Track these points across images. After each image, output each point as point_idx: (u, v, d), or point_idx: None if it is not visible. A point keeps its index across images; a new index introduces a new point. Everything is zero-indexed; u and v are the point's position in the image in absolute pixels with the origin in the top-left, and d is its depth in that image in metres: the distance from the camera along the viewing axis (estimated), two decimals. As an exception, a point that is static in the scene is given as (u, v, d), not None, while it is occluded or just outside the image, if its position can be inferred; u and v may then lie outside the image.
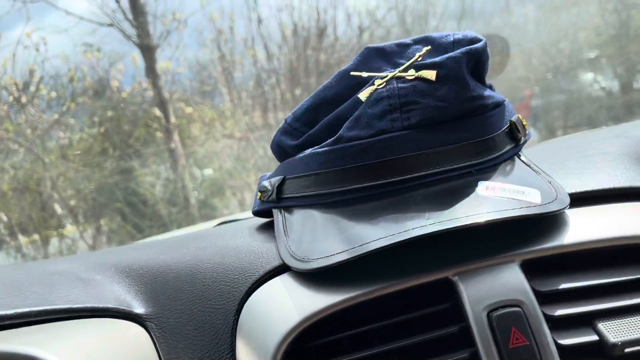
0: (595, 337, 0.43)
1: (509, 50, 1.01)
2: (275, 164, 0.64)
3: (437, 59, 0.53)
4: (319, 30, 4.57)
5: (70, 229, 4.25)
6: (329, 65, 4.45)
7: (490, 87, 0.60)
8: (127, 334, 0.50)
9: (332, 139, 0.54)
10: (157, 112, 4.31)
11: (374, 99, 0.53)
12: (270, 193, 0.60)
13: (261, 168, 4.30)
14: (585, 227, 0.49)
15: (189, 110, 4.61)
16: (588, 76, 4.57)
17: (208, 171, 4.75)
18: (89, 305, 0.51)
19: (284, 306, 0.48)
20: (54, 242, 4.07)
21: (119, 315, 0.52)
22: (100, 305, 0.51)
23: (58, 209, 4.12)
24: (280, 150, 0.62)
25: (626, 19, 4.03)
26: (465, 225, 0.45)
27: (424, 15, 4.51)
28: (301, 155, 0.57)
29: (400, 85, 0.53)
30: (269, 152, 4.21)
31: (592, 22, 4.26)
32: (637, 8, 4.01)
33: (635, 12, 4.01)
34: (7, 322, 0.47)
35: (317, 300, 0.47)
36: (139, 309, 0.53)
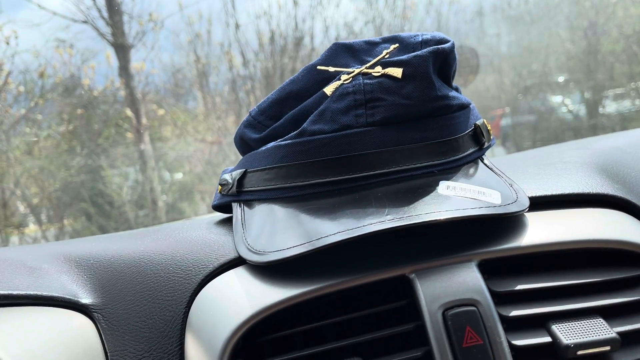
0: (548, 339, 0.43)
1: (479, 61, 1.02)
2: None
3: (404, 56, 0.52)
4: (296, 40, 4.58)
5: (32, 228, 4.13)
6: (304, 75, 4.44)
7: (457, 90, 0.60)
8: (72, 324, 0.48)
9: (296, 132, 0.53)
10: (129, 112, 4.24)
11: (340, 93, 0.52)
12: (230, 186, 0.59)
13: (232, 174, 4.25)
14: (543, 229, 0.49)
15: (161, 112, 4.55)
16: (557, 98, 4.69)
17: (178, 175, 4.68)
18: (31, 292, 0.48)
19: (237, 299, 0.46)
20: (14, 240, 3.95)
21: (64, 304, 0.50)
22: (45, 294, 0.49)
23: (20, 206, 4.01)
24: (244, 144, 0.61)
25: (595, 45, 4.15)
26: (424, 222, 0.44)
27: (400, 31, 4.56)
28: (264, 148, 0.56)
29: (366, 81, 0.52)
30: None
31: (562, 46, 4.37)
32: (606, 35, 4.13)
33: (603, 38, 4.14)
34: (-60, 306, 0.44)
35: (271, 294, 0.46)
36: (86, 299, 0.51)
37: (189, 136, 4.59)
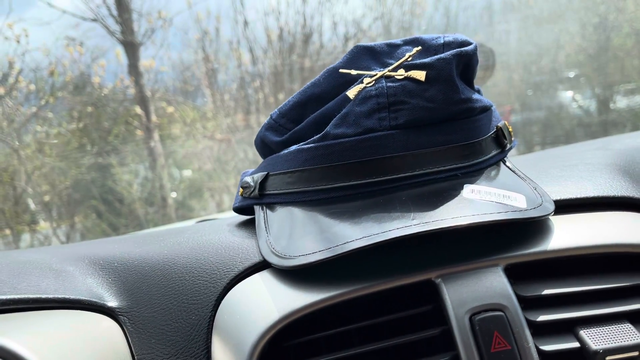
0: (576, 344, 0.43)
1: (495, 61, 1.02)
2: (256, 165, 0.63)
3: (427, 59, 0.52)
4: (305, 36, 4.58)
5: (43, 225, 4.16)
6: (313, 71, 4.44)
7: (478, 92, 0.60)
8: (99, 327, 0.49)
9: (319, 135, 0.53)
10: (138, 110, 4.26)
11: (362, 97, 0.52)
12: (252, 189, 0.59)
13: (241, 171, 4.28)
14: (568, 234, 0.49)
15: (170, 109, 4.56)
16: (567, 94, 4.65)
17: (186, 172, 4.70)
18: (59, 295, 0.49)
19: (263, 303, 0.47)
20: (26, 237, 3.98)
21: (90, 307, 0.50)
22: (72, 297, 0.49)
23: (31, 204, 4.04)
24: (265, 146, 0.61)
25: (605, 40, 4.11)
26: (451, 227, 0.44)
27: (409, 28, 4.54)
28: (286, 151, 0.56)
29: (389, 84, 0.52)
30: (250, 155, 4.18)
31: (572, 41, 4.34)
32: (616, 30, 4.09)
33: (614, 34, 4.10)
34: (-28, 310, 0.45)
35: (298, 298, 0.46)
36: (112, 302, 0.51)
37: (198, 134, 4.61)
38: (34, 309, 0.48)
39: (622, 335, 0.43)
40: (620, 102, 4.43)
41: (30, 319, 0.46)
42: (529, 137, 4.80)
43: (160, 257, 0.55)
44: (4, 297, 0.46)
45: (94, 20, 4.26)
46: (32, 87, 4.09)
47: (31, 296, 0.47)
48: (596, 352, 0.41)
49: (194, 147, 4.59)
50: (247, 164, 4.20)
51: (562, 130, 4.51)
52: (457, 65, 0.53)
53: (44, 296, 0.48)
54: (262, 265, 0.51)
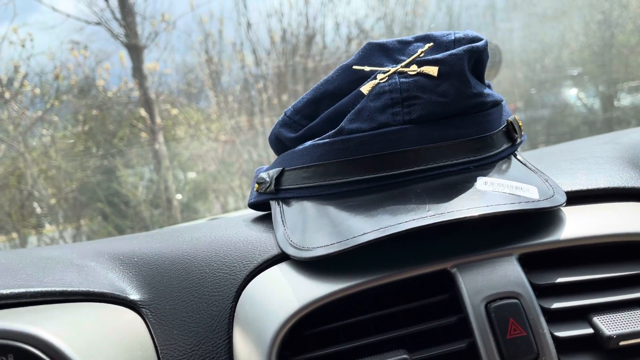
0: (590, 330, 0.44)
1: (501, 58, 1.03)
2: (259, 166, 0.64)
3: (439, 55, 0.53)
4: (308, 38, 4.59)
5: (49, 228, 4.18)
6: (316, 72, 4.46)
7: (489, 87, 0.61)
8: (122, 320, 0.50)
9: (333, 131, 0.54)
10: (143, 112, 4.28)
11: (376, 92, 0.53)
12: (268, 184, 0.60)
13: (246, 172, 4.29)
14: (580, 223, 0.50)
15: (174, 111, 4.58)
16: (571, 92, 4.65)
17: (191, 174, 4.72)
18: (84, 289, 0.50)
19: (283, 294, 0.48)
20: (32, 240, 4.00)
21: (114, 300, 0.52)
22: (96, 290, 0.51)
23: (37, 207, 4.06)
24: (279, 143, 0.63)
25: (609, 37, 4.11)
26: (465, 217, 0.45)
27: (412, 27, 4.55)
28: (301, 147, 0.57)
29: (402, 80, 0.53)
30: (255, 156, 4.18)
31: (576, 39, 4.34)
32: (620, 27, 4.09)
33: (618, 31, 4.10)
34: (1, 302, 0.46)
35: (316, 289, 0.47)
36: (133, 295, 0.53)
37: (202, 135, 4.62)
38: (60, 302, 0.49)
39: (635, 321, 0.44)
40: (625, 100, 4.43)
41: (57, 311, 0.47)
42: (533, 135, 4.80)
43: (180, 251, 0.56)
44: (32, 289, 0.48)
45: (98, 23, 4.28)
46: (37, 91, 4.11)
47: (57, 289, 0.49)
48: (610, 338, 0.42)
49: (199, 149, 4.61)
50: (252, 165, 4.21)
51: (566, 128, 4.51)
52: (469, 61, 0.54)
53: (69, 289, 0.49)
54: (281, 257, 0.53)
